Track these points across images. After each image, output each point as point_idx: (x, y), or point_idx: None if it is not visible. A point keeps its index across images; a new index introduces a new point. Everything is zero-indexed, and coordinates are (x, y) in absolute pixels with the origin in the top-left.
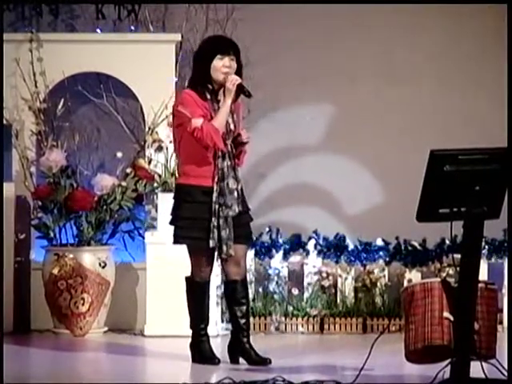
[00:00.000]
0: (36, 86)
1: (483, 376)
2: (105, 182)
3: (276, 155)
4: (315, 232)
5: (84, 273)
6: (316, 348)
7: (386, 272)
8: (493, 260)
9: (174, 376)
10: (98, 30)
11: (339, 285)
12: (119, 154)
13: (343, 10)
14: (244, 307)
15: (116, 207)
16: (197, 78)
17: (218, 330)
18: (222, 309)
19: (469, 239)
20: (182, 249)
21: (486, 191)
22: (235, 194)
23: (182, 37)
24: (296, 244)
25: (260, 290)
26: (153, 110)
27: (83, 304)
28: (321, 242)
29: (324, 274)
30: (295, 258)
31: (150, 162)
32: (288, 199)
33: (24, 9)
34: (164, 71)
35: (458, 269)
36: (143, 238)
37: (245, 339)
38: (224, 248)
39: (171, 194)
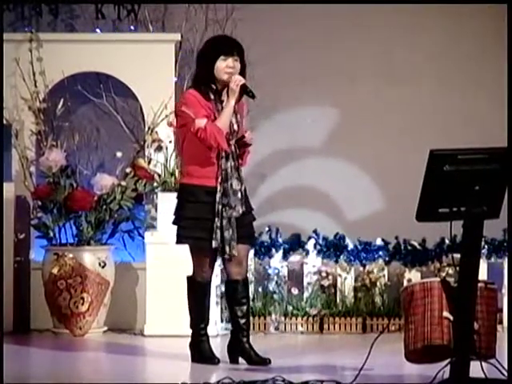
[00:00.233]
0: (36, 86)
1: (483, 376)
2: (104, 181)
3: (275, 155)
4: (315, 232)
5: (84, 272)
6: (315, 348)
7: (385, 272)
8: (492, 260)
9: (174, 376)
10: (98, 30)
11: (339, 284)
12: (119, 154)
13: (343, 10)
14: (244, 307)
15: (116, 207)
16: (200, 78)
17: (217, 329)
18: (221, 308)
19: (468, 239)
20: (182, 248)
21: (486, 191)
22: (239, 194)
23: (182, 37)
24: (296, 244)
25: (259, 289)
26: (152, 109)
27: (83, 304)
28: (320, 241)
29: (324, 274)
30: (295, 258)
31: (149, 162)
32: (288, 198)
33: (24, 9)
34: (163, 71)
35: (457, 268)
36: (143, 237)
37: (244, 339)
38: (227, 248)
39: (171, 194)
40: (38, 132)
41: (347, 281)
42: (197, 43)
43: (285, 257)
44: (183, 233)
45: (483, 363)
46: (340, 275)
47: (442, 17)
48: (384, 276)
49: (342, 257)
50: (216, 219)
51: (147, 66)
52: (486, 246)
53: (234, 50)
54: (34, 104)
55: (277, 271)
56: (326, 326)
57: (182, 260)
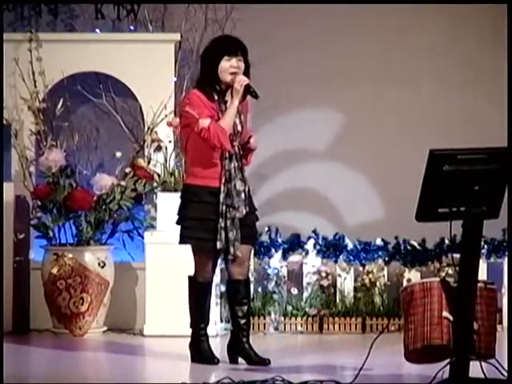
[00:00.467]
0: (35, 86)
1: (482, 376)
2: (104, 181)
3: (276, 156)
4: (314, 232)
5: (83, 272)
6: (315, 348)
7: (385, 272)
8: (492, 260)
9: (174, 376)
10: (98, 30)
11: (338, 284)
12: (118, 154)
13: (342, 10)
14: (245, 307)
15: (115, 207)
16: (204, 78)
17: (217, 329)
18: (221, 309)
19: (468, 239)
20: (182, 248)
21: (486, 191)
22: (242, 195)
23: (181, 36)
24: (295, 244)
25: (259, 289)
26: (152, 109)
27: (82, 304)
28: (320, 241)
29: (323, 274)
30: (294, 258)
31: (149, 162)
32: (288, 196)
33: (23, 9)
34: (163, 71)
35: (457, 268)
36: (142, 237)
37: (244, 339)
38: (231, 249)
39: (170, 194)
40: (37, 132)
41: (347, 281)
42: (196, 43)
43: (284, 257)
44: (186, 233)
45: (483, 363)
46: (339, 275)
47: (441, 17)
48: (384, 276)
49: (341, 257)
50: (220, 220)
51: (147, 65)
52: (486, 246)
53: (238, 50)
54: (33, 104)
55: (276, 271)
56: (325, 326)
57: (181, 260)
